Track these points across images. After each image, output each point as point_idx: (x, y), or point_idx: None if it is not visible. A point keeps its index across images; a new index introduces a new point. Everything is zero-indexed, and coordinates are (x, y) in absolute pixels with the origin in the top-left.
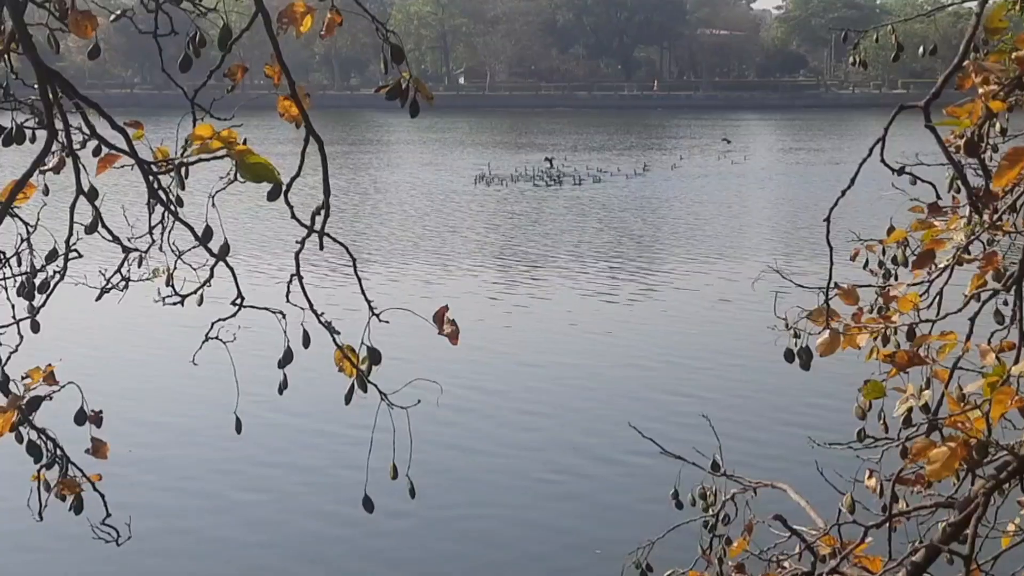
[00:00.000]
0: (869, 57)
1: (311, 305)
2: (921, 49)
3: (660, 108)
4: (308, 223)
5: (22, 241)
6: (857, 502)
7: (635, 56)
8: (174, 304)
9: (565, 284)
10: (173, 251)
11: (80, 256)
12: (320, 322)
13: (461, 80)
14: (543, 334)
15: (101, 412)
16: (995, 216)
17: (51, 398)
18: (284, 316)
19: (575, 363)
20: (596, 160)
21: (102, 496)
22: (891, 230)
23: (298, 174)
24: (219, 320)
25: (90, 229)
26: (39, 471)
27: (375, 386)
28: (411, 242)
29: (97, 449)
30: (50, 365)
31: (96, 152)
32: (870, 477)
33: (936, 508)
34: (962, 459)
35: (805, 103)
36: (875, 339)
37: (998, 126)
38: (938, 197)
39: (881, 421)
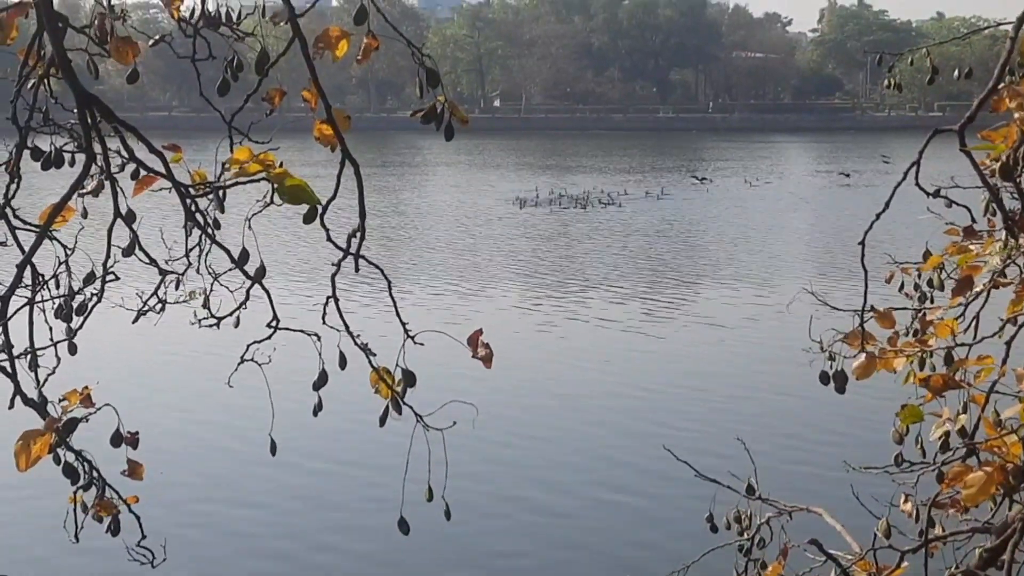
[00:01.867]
0: (905, 80)
1: (347, 327)
2: (957, 72)
3: (695, 130)
4: (344, 246)
5: (60, 264)
6: (893, 527)
7: (670, 79)
8: (210, 326)
9: (599, 307)
10: (209, 273)
11: (117, 279)
12: (356, 344)
13: (496, 103)
14: (577, 357)
15: (137, 434)
16: None
17: (88, 420)
18: (319, 338)
19: (609, 386)
20: (631, 182)
21: (138, 518)
22: (927, 255)
23: (334, 197)
24: (255, 342)
25: (127, 252)
26: (76, 492)
27: (410, 408)
28: (446, 264)
29: (133, 471)
30: (87, 387)
31: (134, 175)
32: (906, 502)
33: (973, 533)
34: (999, 484)
35: (841, 125)
36: (911, 363)
37: None
38: (973, 221)
39: (918, 445)
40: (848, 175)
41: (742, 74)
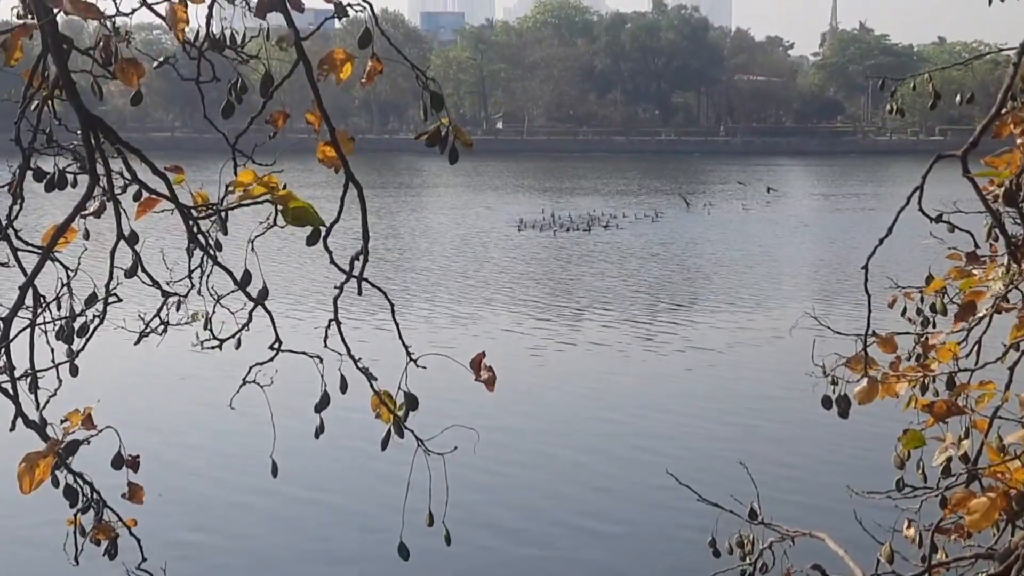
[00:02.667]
0: (906, 104)
1: (349, 350)
2: (959, 97)
3: (697, 153)
4: (347, 268)
5: (62, 285)
6: (896, 552)
7: (672, 101)
8: (212, 348)
9: (601, 331)
10: (212, 295)
11: (120, 300)
12: (357, 367)
13: (499, 125)
14: (580, 380)
15: (138, 457)
16: None
17: (88, 442)
18: (321, 360)
19: (611, 409)
20: (633, 205)
21: (138, 541)
22: (930, 279)
23: (337, 220)
24: (257, 364)
25: (130, 273)
26: (75, 515)
27: (412, 432)
28: (448, 287)
29: (133, 494)
30: (88, 409)
31: (137, 197)
32: (909, 527)
33: (976, 559)
34: (1002, 510)
35: (842, 149)
36: (914, 388)
37: None
38: (976, 246)
39: (920, 471)
40: (774, 189)
41: (744, 97)
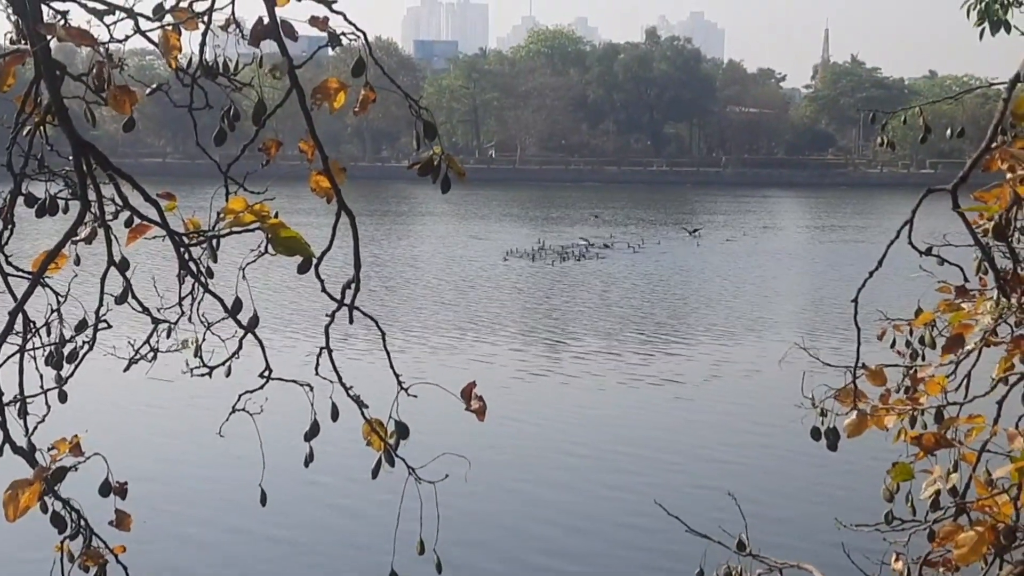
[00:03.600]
0: (897, 137)
1: (340, 378)
2: (949, 131)
3: (689, 184)
4: (338, 297)
5: (52, 311)
6: None
7: (665, 132)
8: (202, 375)
9: (591, 360)
10: (202, 322)
11: (110, 327)
12: (349, 395)
13: (492, 153)
14: (569, 410)
15: (126, 484)
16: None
17: (76, 469)
18: (312, 389)
19: (600, 440)
20: (625, 235)
21: (124, 568)
22: (919, 312)
23: (329, 248)
24: (247, 392)
25: (120, 300)
26: (63, 542)
27: (403, 460)
28: (440, 316)
29: (121, 521)
30: (76, 436)
31: (128, 223)
32: (897, 560)
33: None
34: (990, 544)
35: (833, 181)
36: (903, 421)
37: None
38: (965, 279)
39: (908, 503)
40: (694, 232)
41: (736, 129)
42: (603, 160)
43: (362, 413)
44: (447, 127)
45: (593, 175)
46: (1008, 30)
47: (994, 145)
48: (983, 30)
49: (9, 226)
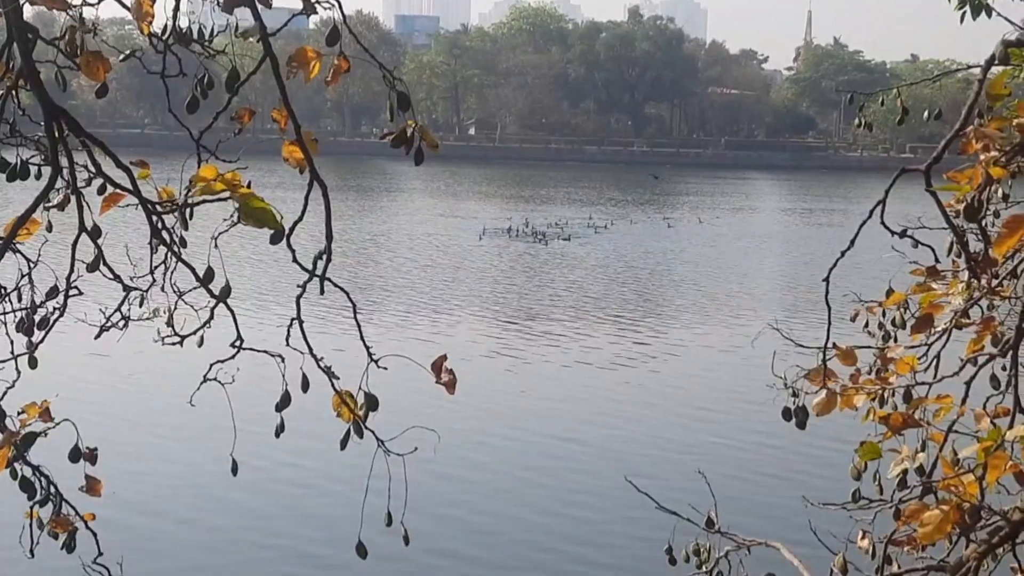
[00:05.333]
0: (877, 120)
1: (311, 349)
2: (926, 113)
3: (669, 165)
4: (310, 268)
5: (23, 277)
6: (849, 563)
7: (646, 112)
8: (173, 344)
9: (564, 338)
10: (174, 291)
11: (81, 294)
12: (319, 367)
13: (471, 131)
14: (541, 386)
15: (96, 450)
16: (995, 282)
17: (46, 435)
18: (283, 360)
19: (572, 416)
20: (602, 214)
21: (94, 534)
22: (890, 292)
23: (300, 218)
24: (218, 362)
25: (92, 267)
26: (32, 508)
27: (372, 432)
28: (413, 290)
29: (91, 487)
30: (46, 401)
31: (101, 191)
32: (863, 538)
33: (928, 571)
34: (955, 523)
35: (813, 164)
36: (872, 400)
37: (1000, 192)
38: (937, 261)
39: (876, 482)
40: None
41: (717, 110)
42: (583, 140)
43: (332, 384)
44: (427, 104)
45: (573, 155)
46: (989, 14)
47: (969, 127)
48: (964, 14)
49: None
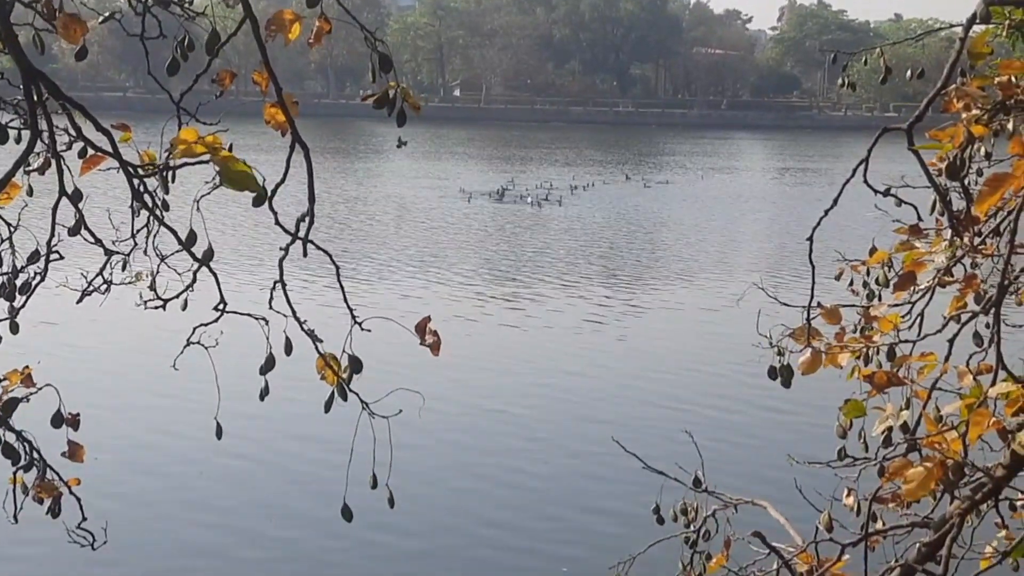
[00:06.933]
0: (861, 80)
1: (294, 312)
2: (909, 72)
3: (654, 125)
4: (292, 230)
5: (3, 241)
6: (835, 520)
7: (631, 73)
8: (156, 308)
9: (549, 299)
10: (157, 255)
11: (62, 258)
12: (303, 329)
13: (456, 92)
14: (526, 347)
15: (78, 415)
16: (978, 239)
17: (28, 400)
18: (267, 323)
19: (557, 376)
20: (588, 176)
21: (78, 500)
22: (873, 251)
23: (283, 180)
24: (201, 325)
25: (73, 231)
26: (15, 473)
27: (356, 395)
28: (397, 253)
29: (74, 453)
30: (28, 367)
31: (82, 154)
32: (848, 496)
33: (912, 528)
34: (939, 480)
35: (798, 124)
36: (856, 359)
37: (983, 150)
38: (920, 219)
39: (861, 440)
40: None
41: (702, 70)
42: (568, 100)
43: (316, 347)
44: (411, 65)
45: (558, 115)
46: None
47: (951, 86)
48: None
49: None
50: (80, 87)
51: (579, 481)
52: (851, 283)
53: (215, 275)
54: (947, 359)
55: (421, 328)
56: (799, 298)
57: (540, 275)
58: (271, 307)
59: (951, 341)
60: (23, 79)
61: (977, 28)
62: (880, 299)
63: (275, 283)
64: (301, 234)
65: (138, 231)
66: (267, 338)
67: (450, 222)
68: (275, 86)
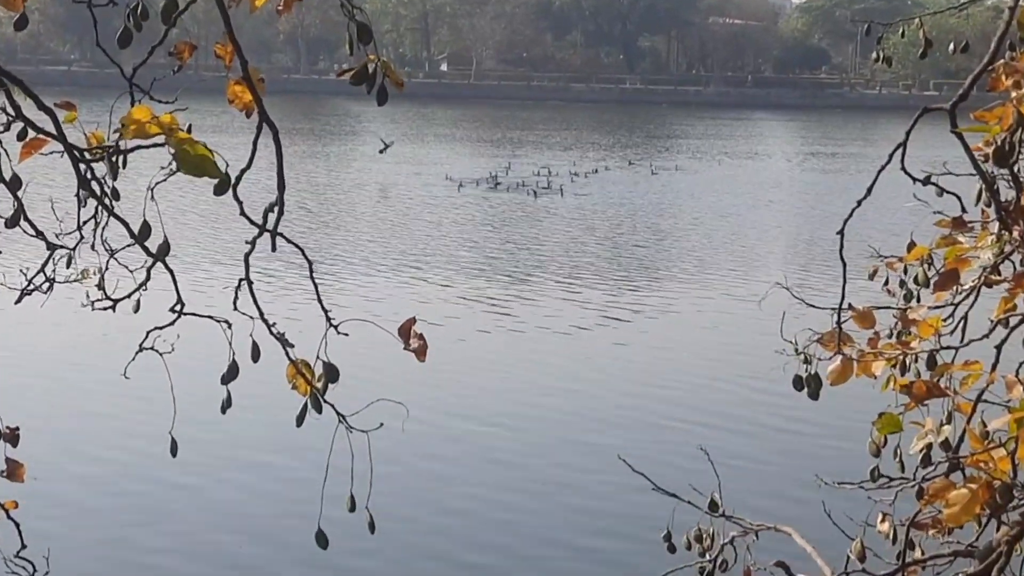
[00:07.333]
0: (897, 54)
1: (261, 314)
2: (952, 46)
3: (665, 104)
4: (260, 221)
5: None
6: (868, 548)
7: (639, 45)
8: (105, 309)
9: (548, 299)
10: (105, 249)
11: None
12: (271, 333)
13: (443, 67)
14: (523, 353)
15: (17, 429)
16: None
17: None
18: (230, 325)
19: (558, 387)
20: (590, 161)
21: (17, 525)
22: (912, 246)
23: (248, 166)
24: (155, 328)
25: (11, 223)
26: None
27: (332, 406)
28: (377, 248)
29: (13, 471)
30: None
31: (21, 136)
32: (883, 521)
33: (955, 557)
34: (984, 503)
35: (826, 103)
36: (892, 367)
37: None
38: (964, 210)
39: (896, 459)
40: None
41: (719, 43)
42: (569, 76)
43: (286, 353)
44: (393, 36)
45: (558, 93)
46: None
47: (999, 61)
48: None
49: None
50: (19, 60)
51: (580, 503)
52: (886, 282)
53: (171, 272)
54: (994, 368)
55: (405, 331)
56: (828, 299)
57: (537, 273)
58: (235, 308)
59: (999, 348)
60: None
61: None
62: (919, 300)
63: (240, 281)
64: (269, 226)
65: (85, 223)
66: (230, 343)
67: (436, 213)
68: (240, 59)
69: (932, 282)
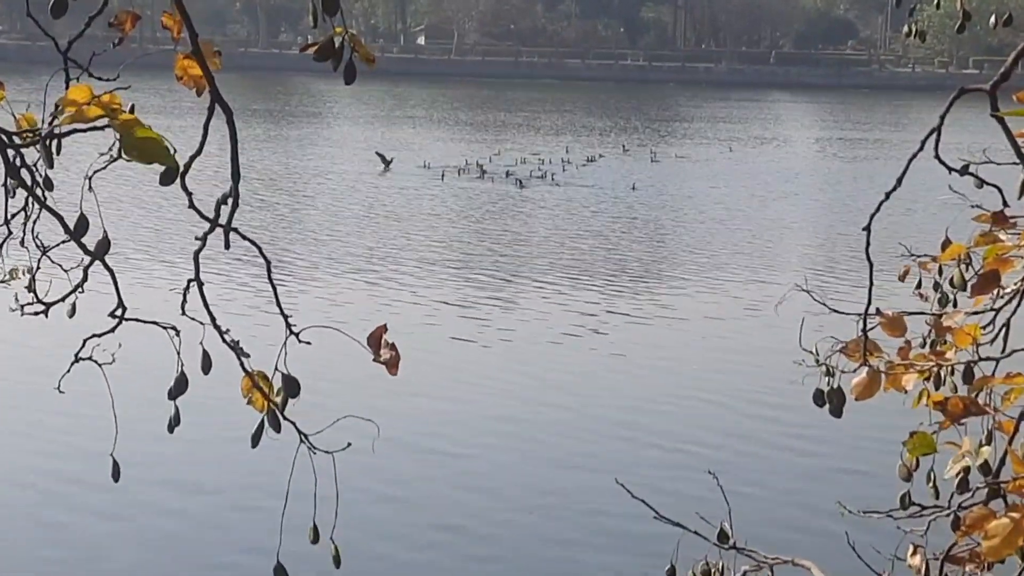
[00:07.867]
0: (933, 27)
1: (213, 319)
2: (993, 18)
3: (671, 83)
4: (211, 215)
5: None
6: None
7: (642, 17)
8: (36, 314)
9: (536, 303)
10: (37, 246)
11: None
12: (224, 341)
13: (421, 40)
14: (508, 365)
15: None
16: None
17: None
18: (178, 332)
19: (547, 402)
20: (585, 148)
21: None
22: (947, 244)
23: (199, 151)
24: (93, 336)
25: None
26: None
27: (292, 424)
28: (344, 244)
29: None
30: None
31: None
32: (914, 554)
33: None
34: None
35: (853, 82)
36: (925, 380)
37: None
38: (1005, 204)
39: (930, 484)
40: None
41: (732, 15)
42: (563, 51)
43: (241, 364)
44: (364, 5)
45: (549, 70)
46: None
47: None
48: None
49: None
50: None
51: (572, 534)
52: (919, 285)
53: (112, 272)
54: None
55: (375, 341)
56: (853, 304)
57: (523, 274)
58: (183, 313)
59: None
60: None
61: None
62: (955, 305)
63: (189, 282)
64: (222, 221)
65: (13, 216)
66: (178, 352)
67: (411, 206)
68: (190, 31)
69: (970, 285)
